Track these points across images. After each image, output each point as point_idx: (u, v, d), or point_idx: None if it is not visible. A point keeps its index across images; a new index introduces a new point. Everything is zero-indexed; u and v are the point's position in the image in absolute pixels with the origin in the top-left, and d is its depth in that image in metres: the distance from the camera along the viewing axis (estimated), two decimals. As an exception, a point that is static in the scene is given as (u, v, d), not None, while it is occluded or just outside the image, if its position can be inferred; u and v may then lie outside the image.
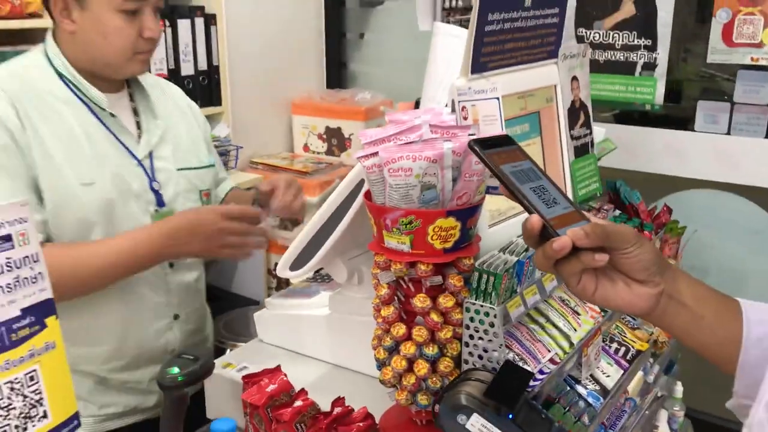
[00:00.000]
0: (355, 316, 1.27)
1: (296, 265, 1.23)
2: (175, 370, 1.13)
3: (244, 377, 1.18)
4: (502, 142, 0.84)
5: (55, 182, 1.38)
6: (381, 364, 1.07)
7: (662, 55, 2.39)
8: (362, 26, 3.15)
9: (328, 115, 2.86)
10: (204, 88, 2.54)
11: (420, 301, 0.99)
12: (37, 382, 0.45)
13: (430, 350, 1.01)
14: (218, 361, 1.34)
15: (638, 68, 2.44)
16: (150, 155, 1.53)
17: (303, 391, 1.13)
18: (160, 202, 1.52)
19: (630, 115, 2.59)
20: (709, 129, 2.30)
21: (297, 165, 2.78)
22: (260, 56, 2.81)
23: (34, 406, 0.44)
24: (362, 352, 1.15)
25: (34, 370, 0.45)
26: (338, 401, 1.11)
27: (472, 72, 1.05)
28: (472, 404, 0.91)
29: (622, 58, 2.46)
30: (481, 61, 1.06)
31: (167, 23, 2.38)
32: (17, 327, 0.44)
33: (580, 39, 2.51)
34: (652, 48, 2.41)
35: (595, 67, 2.49)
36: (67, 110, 1.43)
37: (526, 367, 1.01)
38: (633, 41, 2.43)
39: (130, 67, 1.48)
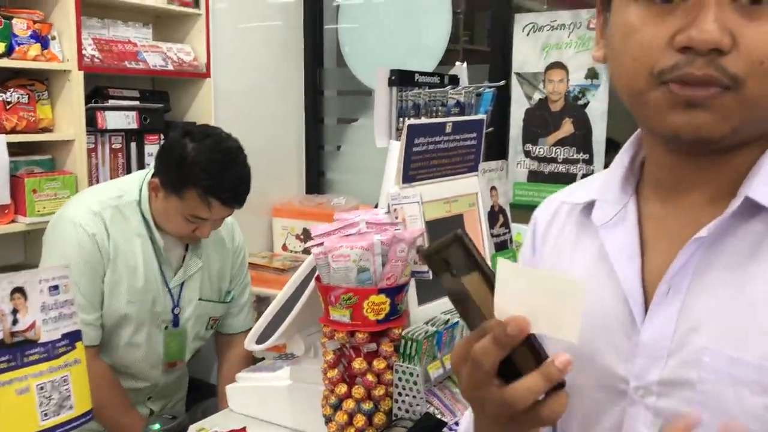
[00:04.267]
0: (312, 385, 1.49)
1: (261, 339, 1.46)
2: (157, 426, 1.34)
3: (214, 435, 1.38)
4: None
5: (111, 298, 1.80)
6: (327, 420, 1.29)
7: (598, 167, 2.72)
8: (339, 140, 3.49)
9: (306, 218, 3.14)
10: (193, 194, 2.82)
11: (358, 364, 1.23)
12: (67, 384, 0.68)
13: (367, 405, 1.24)
14: (193, 427, 1.54)
15: (578, 179, 2.76)
16: (181, 285, 1.90)
17: (263, 444, 1.34)
18: (176, 323, 1.90)
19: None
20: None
21: (276, 263, 3.04)
22: (245, 165, 3.12)
23: (66, 399, 0.68)
24: (318, 416, 1.37)
25: (67, 375, 0.69)
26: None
27: (403, 182, 1.34)
28: (395, 445, 1.13)
29: (563, 170, 2.79)
30: (410, 174, 1.35)
31: (162, 137, 2.69)
32: (59, 345, 0.67)
33: (527, 153, 2.85)
34: (589, 161, 2.74)
35: (541, 177, 2.82)
36: (138, 241, 1.82)
37: (443, 419, 1.23)
38: (572, 155, 2.77)
39: (184, 240, 1.88)
